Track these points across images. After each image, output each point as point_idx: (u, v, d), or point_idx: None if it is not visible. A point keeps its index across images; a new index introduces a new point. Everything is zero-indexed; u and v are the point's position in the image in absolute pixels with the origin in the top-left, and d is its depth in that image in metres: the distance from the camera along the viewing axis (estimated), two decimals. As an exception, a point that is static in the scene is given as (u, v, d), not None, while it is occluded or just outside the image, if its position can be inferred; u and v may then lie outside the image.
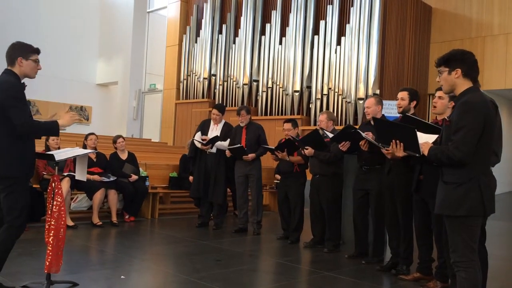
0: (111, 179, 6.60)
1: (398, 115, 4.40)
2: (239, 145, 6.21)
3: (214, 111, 6.57)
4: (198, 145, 6.47)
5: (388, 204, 4.44)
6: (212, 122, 6.60)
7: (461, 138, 2.62)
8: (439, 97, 3.81)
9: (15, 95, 3.08)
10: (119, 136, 7.14)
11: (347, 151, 4.82)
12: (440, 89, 3.85)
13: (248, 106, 9.46)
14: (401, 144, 3.07)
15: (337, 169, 5.33)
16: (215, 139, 6.31)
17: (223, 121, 6.61)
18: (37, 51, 3.26)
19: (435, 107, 3.88)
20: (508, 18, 10.11)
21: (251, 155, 6.13)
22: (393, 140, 3.11)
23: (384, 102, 5.94)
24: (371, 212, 4.82)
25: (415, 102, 4.32)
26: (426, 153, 2.81)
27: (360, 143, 4.45)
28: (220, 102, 11.69)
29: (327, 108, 9.84)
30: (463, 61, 2.75)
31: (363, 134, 4.37)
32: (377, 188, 4.64)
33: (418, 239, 4.15)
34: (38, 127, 3.18)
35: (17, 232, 3.17)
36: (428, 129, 3.37)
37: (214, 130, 6.49)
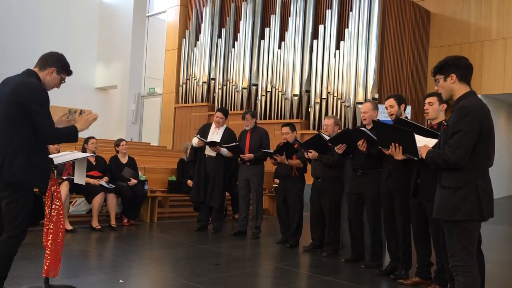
0: (112, 186, 6.59)
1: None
2: (234, 143, 6.23)
3: (218, 113, 6.57)
4: (195, 142, 6.45)
5: (385, 208, 4.44)
6: (213, 126, 6.59)
7: (456, 141, 2.63)
8: (429, 103, 3.94)
9: (42, 101, 2.93)
10: (122, 140, 7.14)
11: (343, 154, 4.86)
12: (429, 95, 3.95)
13: (253, 110, 9.53)
14: (400, 147, 3.08)
15: (339, 173, 5.34)
16: (213, 143, 6.29)
17: (224, 126, 6.61)
18: (70, 73, 3.22)
19: (427, 113, 3.97)
20: (506, 23, 10.14)
21: (248, 155, 6.15)
22: (392, 143, 3.12)
23: (383, 106, 5.96)
24: (367, 215, 4.83)
25: (404, 105, 4.41)
26: (424, 156, 2.83)
27: (359, 143, 4.46)
28: (221, 106, 11.71)
29: (326, 112, 9.85)
30: (457, 66, 2.78)
31: (365, 130, 4.39)
32: (372, 192, 4.66)
33: (416, 244, 4.16)
34: (61, 135, 3.06)
35: (18, 241, 3.03)
36: (421, 132, 3.39)
37: (215, 134, 6.48)
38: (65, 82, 3.22)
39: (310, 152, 5.32)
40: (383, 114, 7.20)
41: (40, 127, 2.93)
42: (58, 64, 3.13)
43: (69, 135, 3.08)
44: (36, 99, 2.92)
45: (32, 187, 3.09)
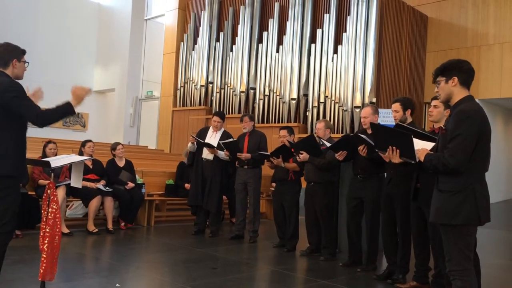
0: (109, 190, 6.57)
1: (393, 124, 4.41)
2: (231, 139, 6.23)
3: (215, 118, 6.58)
4: (190, 144, 6.49)
5: (384, 213, 4.43)
6: (211, 129, 6.60)
7: (456, 146, 2.62)
8: (434, 106, 3.88)
9: (18, 94, 3.04)
10: (118, 143, 7.13)
11: (343, 159, 4.84)
12: (435, 98, 3.89)
13: (251, 114, 9.61)
14: (397, 150, 3.07)
15: (332, 177, 5.34)
16: (209, 145, 6.30)
17: (222, 129, 6.62)
18: (25, 52, 3.27)
19: (431, 115, 3.92)
20: (503, 28, 10.19)
21: (245, 154, 6.15)
22: (390, 146, 3.11)
23: (380, 110, 5.97)
24: (366, 220, 4.82)
25: (410, 111, 4.32)
26: (422, 158, 2.82)
27: (359, 148, 4.44)
28: (219, 110, 11.71)
29: (324, 116, 9.87)
30: (460, 69, 2.77)
31: (364, 136, 4.38)
32: (372, 196, 4.65)
33: (415, 248, 4.15)
34: (54, 113, 3.15)
35: (6, 239, 3.08)
36: (419, 137, 3.38)
37: (213, 138, 6.48)
38: (28, 63, 3.29)
39: (301, 154, 5.32)
40: (383, 118, 7.22)
41: (27, 115, 3.06)
42: (12, 53, 3.19)
43: (64, 112, 3.19)
44: (12, 93, 3.03)
45: (20, 178, 3.20)
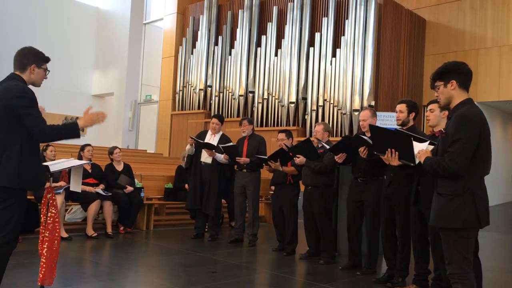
0: (108, 194, 6.57)
1: (393, 127, 4.42)
2: (231, 143, 6.23)
3: (214, 120, 6.60)
4: (188, 147, 6.47)
5: (385, 216, 4.43)
6: (209, 132, 6.61)
7: (457, 150, 2.62)
8: (430, 110, 3.91)
9: (28, 103, 2.92)
10: (115, 147, 7.13)
11: (343, 162, 4.84)
12: (431, 102, 3.92)
13: (251, 117, 9.65)
14: (396, 152, 3.06)
15: (329, 180, 5.34)
16: (210, 145, 6.30)
17: (220, 132, 6.63)
18: (48, 60, 3.15)
19: (428, 120, 3.94)
20: (501, 31, 10.23)
21: (244, 159, 6.15)
22: (388, 149, 3.10)
23: (379, 114, 5.99)
24: (366, 223, 4.81)
25: (413, 114, 4.34)
26: (422, 159, 2.81)
27: (360, 149, 4.44)
28: (217, 113, 11.72)
29: (323, 119, 9.89)
30: (457, 72, 2.77)
31: (365, 137, 4.37)
32: (372, 199, 4.65)
33: (415, 251, 4.14)
34: (57, 131, 2.98)
35: (9, 249, 2.98)
36: (418, 141, 3.38)
37: (211, 141, 6.48)
38: (49, 71, 3.17)
39: (298, 157, 5.33)
40: (381, 122, 7.22)
41: (30, 127, 2.92)
42: (34, 58, 3.09)
43: (68, 132, 3.01)
44: (21, 101, 2.91)
45: (28, 189, 3.10)
